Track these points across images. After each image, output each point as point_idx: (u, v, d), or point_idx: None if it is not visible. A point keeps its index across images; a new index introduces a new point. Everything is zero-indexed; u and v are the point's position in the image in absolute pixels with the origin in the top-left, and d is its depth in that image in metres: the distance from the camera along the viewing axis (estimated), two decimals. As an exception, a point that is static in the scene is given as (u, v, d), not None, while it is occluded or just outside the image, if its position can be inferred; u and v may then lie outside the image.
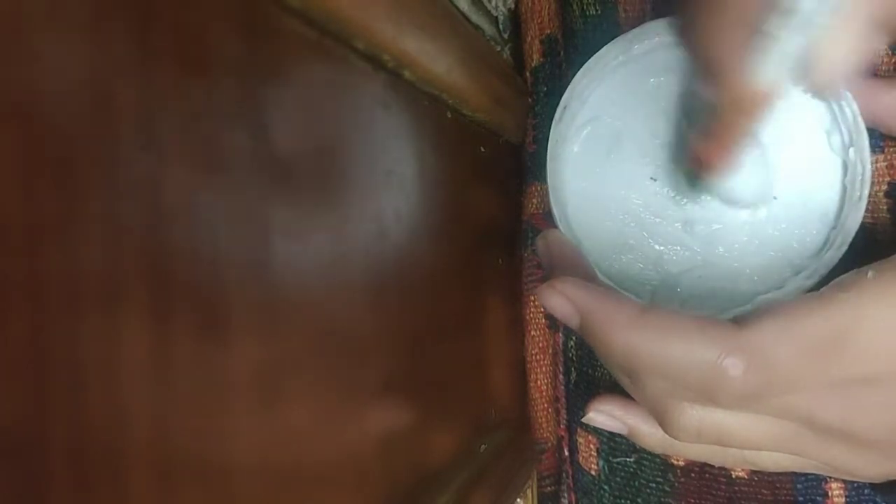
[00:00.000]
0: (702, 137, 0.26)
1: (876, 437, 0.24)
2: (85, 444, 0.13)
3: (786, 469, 0.28)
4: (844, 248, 0.28)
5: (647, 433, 0.30)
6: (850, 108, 0.28)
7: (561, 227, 0.30)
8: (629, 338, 0.24)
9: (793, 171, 0.30)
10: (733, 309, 0.29)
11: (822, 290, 0.24)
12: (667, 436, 0.27)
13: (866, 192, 0.28)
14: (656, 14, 0.33)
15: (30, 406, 0.12)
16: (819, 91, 0.26)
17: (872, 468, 0.26)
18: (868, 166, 0.28)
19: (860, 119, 0.28)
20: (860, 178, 0.28)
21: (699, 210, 0.30)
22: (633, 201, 0.31)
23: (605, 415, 0.31)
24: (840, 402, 0.24)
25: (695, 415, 0.25)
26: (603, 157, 0.31)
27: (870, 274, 0.23)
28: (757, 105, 0.23)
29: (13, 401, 0.12)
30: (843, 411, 0.24)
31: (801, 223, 0.29)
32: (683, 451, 0.30)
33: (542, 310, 0.37)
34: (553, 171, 0.30)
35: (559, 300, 0.25)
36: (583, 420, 0.32)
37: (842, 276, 0.24)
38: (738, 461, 0.28)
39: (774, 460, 0.28)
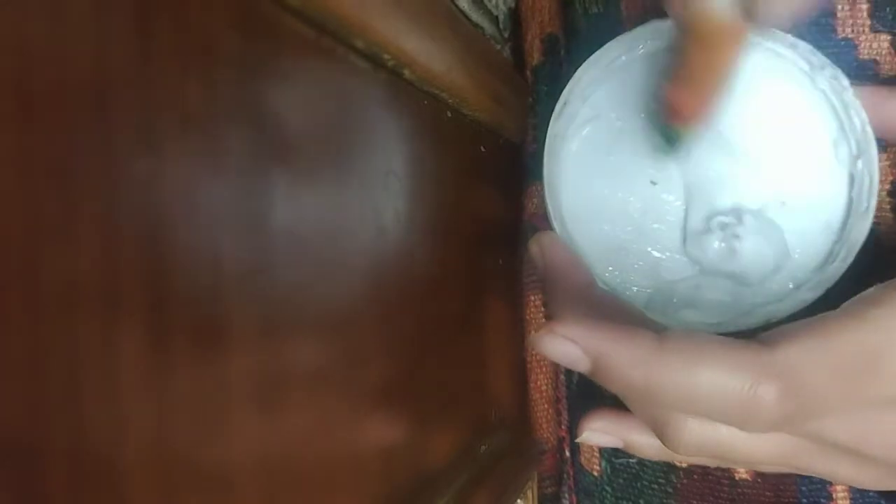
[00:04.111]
0: (675, 84, 0.25)
1: (885, 458, 0.24)
2: (82, 451, 0.13)
3: (787, 472, 0.28)
4: (850, 260, 0.27)
5: (645, 444, 0.29)
6: (859, 118, 0.27)
7: (556, 226, 0.29)
8: (651, 374, 0.22)
9: (796, 182, 0.29)
10: (730, 320, 0.28)
11: (848, 305, 0.23)
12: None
13: (874, 202, 0.27)
14: (658, 13, 0.33)
15: (27, 412, 0.12)
16: (763, 27, 0.24)
17: (878, 483, 0.25)
18: (876, 177, 0.27)
19: (869, 129, 0.27)
20: (867, 188, 0.27)
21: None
22: (633, 205, 0.30)
23: (599, 432, 0.30)
24: (858, 422, 0.23)
25: (696, 430, 0.24)
26: (603, 157, 0.30)
27: None
28: (720, 41, 0.22)
29: (10, 406, 0.12)
30: (859, 431, 0.23)
31: (804, 235, 0.28)
32: (683, 458, 0.30)
33: (543, 310, 0.37)
34: (550, 169, 0.29)
35: (563, 346, 0.22)
36: (577, 440, 0.31)
37: (868, 291, 0.23)
38: (740, 465, 0.28)
39: (775, 466, 0.27)
